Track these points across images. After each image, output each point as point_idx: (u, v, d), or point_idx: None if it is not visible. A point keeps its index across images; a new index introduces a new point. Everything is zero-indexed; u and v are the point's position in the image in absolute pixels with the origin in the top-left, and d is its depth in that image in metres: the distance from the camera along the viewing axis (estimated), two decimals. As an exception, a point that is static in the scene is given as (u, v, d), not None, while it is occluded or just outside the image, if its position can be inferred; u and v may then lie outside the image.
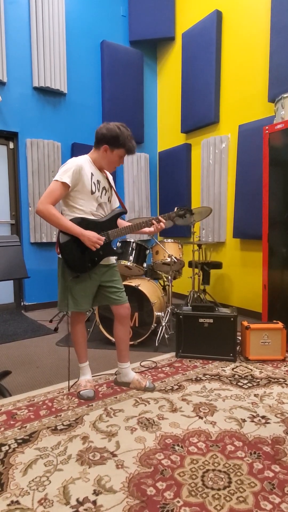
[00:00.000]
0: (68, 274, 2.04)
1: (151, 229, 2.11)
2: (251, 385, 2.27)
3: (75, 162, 1.96)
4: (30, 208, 4.26)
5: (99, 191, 2.05)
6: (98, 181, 2.05)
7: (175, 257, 3.31)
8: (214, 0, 4.19)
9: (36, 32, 4.14)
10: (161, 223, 2.07)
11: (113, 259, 2.20)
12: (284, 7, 3.28)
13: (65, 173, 1.92)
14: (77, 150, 4.45)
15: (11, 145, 4.29)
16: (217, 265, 4.02)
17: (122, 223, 2.21)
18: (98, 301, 2.21)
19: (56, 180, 1.92)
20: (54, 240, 4.41)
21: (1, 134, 4.17)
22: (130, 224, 2.10)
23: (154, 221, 2.07)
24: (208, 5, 4.28)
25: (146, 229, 2.13)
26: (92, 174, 2.01)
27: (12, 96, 4.10)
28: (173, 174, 4.97)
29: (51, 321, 3.87)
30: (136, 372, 2.33)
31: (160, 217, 2.07)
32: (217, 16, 4.06)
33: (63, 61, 4.33)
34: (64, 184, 1.92)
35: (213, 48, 4.11)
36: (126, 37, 4.92)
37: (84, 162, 1.99)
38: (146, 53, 5.10)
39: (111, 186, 2.18)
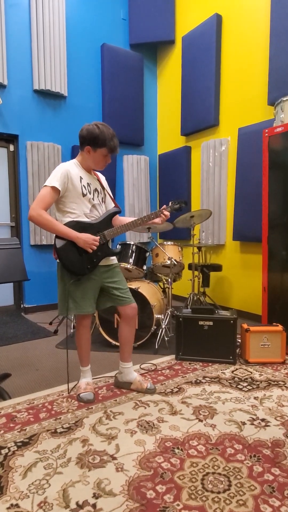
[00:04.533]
0: (68, 277, 2.04)
1: (158, 220, 2.17)
2: (251, 387, 2.27)
3: (62, 166, 2.00)
4: (30, 211, 4.27)
5: (90, 193, 2.06)
6: (88, 184, 2.06)
7: (175, 260, 3.31)
8: (214, 3, 4.21)
9: (36, 35, 4.15)
10: (166, 212, 2.14)
11: (113, 260, 2.19)
12: (284, 11, 3.30)
13: (54, 178, 1.95)
14: (77, 152, 4.37)
15: (11, 148, 4.30)
16: (217, 268, 4.02)
17: (124, 220, 2.22)
18: (103, 304, 2.21)
19: (46, 186, 1.94)
20: (54, 242, 4.41)
21: (2, 136, 4.18)
22: (133, 219, 2.11)
23: (161, 212, 2.13)
24: (208, 8, 4.30)
25: (153, 220, 2.19)
26: (81, 178, 2.03)
27: (13, 98, 4.12)
28: (173, 176, 4.98)
29: (51, 323, 3.87)
30: (136, 374, 2.32)
31: (163, 209, 2.15)
32: (217, 20, 4.08)
33: (63, 64, 4.35)
34: (54, 188, 1.93)
35: (213, 51, 4.13)
36: (127, 40, 4.94)
37: (71, 166, 2.02)
38: (146, 56, 5.12)
39: (103, 188, 2.19)
